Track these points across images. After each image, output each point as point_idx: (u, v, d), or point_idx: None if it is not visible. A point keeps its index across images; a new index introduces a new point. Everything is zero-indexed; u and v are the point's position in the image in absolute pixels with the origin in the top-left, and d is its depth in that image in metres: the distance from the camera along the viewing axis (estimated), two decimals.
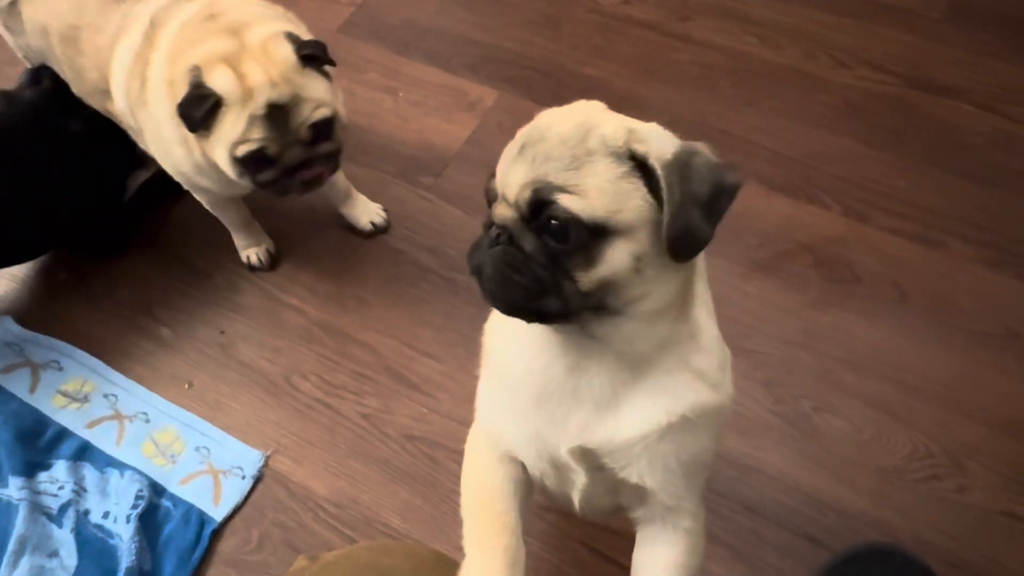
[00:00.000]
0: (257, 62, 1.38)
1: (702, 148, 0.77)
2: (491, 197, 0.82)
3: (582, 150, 0.75)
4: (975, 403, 1.59)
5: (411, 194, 1.96)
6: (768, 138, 2.01)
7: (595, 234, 0.75)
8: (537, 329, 0.87)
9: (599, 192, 0.74)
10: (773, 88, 2.12)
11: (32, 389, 1.69)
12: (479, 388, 1.03)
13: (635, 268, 0.76)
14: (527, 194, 0.75)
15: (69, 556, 1.45)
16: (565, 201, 0.74)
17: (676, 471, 0.89)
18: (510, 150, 0.79)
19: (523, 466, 0.98)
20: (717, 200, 0.75)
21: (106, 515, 1.51)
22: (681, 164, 0.75)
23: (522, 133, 0.79)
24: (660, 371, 0.85)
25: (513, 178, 0.77)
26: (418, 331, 1.73)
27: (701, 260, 0.88)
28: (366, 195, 1.92)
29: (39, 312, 1.82)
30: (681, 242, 0.74)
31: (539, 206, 0.75)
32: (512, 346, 0.91)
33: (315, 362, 1.70)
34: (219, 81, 1.37)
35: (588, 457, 0.88)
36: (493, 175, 0.81)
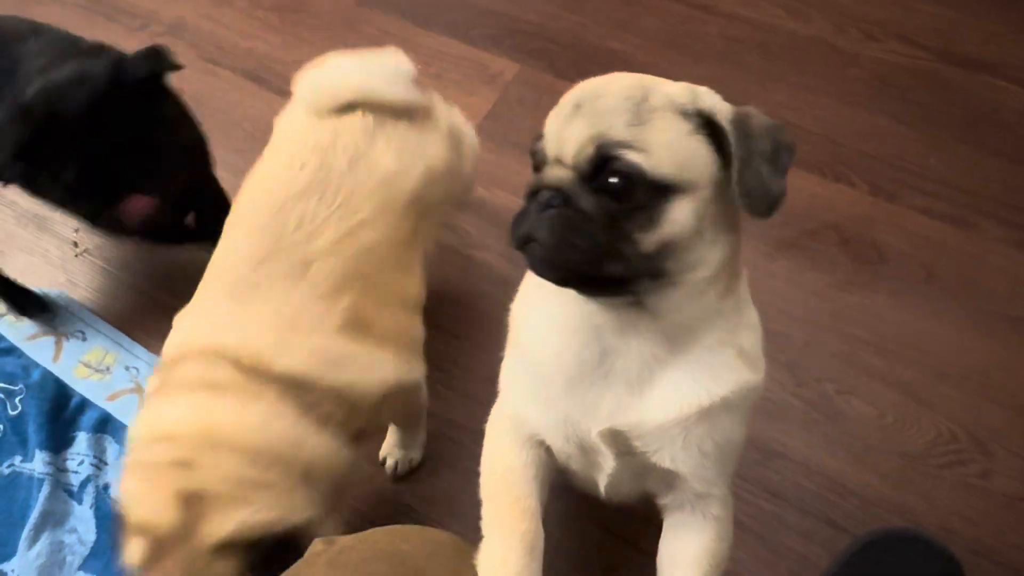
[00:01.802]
0: None
1: (755, 111, 0.77)
2: (539, 160, 0.79)
3: (646, 106, 0.73)
4: (1002, 388, 1.56)
5: None
6: (795, 114, 1.97)
7: (660, 192, 0.73)
8: (570, 309, 0.85)
9: (666, 148, 0.72)
10: (801, 62, 2.07)
11: (55, 358, 1.69)
12: (503, 369, 1.01)
13: (697, 229, 0.75)
14: (589, 150, 0.73)
15: (87, 531, 1.47)
16: (631, 156, 0.72)
17: (710, 455, 0.87)
18: (562, 109, 0.77)
19: (546, 450, 0.96)
20: (779, 155, 0.75)
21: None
22: (742, 122, 0.74)
23: (573, 94, 0.77)
24: (701, 347, 0.83)
25: (571, 135, 0.74)
26: (434, 307, 1.71)
27: (739, 238, 0.85)
28: None
29: (55, 286, 1.82)
30: (756, 195, 0.74)
31: (602, 163, 0.73)
32: (542, 328, 0.89)
33: None
34: None
35: (619, 440, 0.86)
36: (540, 136, 0.79)
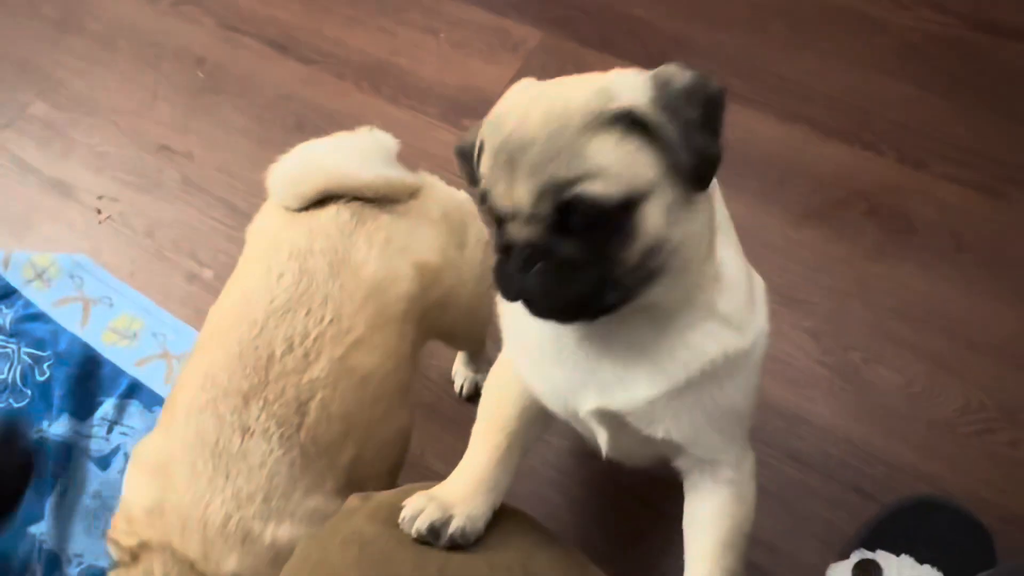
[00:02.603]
0: None
1: (673, 70, 0.73)
2: (495, 217, 0.77)
3: (571, 134, 0.71)
4: None
5: (453, 137, 1.92)
6: (822, 82, 1.94)
7: (626, 208, 0.71)
8: None
9: (611, 165, 0.70)
10: (828, 30, 2.04)
11: (83, 323, 1.71)
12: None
13: (669, 221, 0.73)
14: (546, 203, 0.71)
15: (113, 496, 1.48)
16: (587, 189, 0.70)
17: (705, 425, 0.86)
18: (496, 163, 0.74)
19: None
20: (711, 115, 0.73)
21: None
22: (663, 98, 0.71)
23: (499, 145, 0.73)
24: (681, 325, 0.81)
25: (520, 194, 0.72)
26: None
27: (716, 187, 0.83)
28: (408, 139, 1.89)
29: (80, 252, 1.82)
30: (700, 169, 0.72)
31: (563, 208, 0.71)
32: (525, 323, 0.88)
33: None
34: None
35: (609, 417, 0.86)
36: (484, 192, 0.76)
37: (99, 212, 1.89)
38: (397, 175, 1.21)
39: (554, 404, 0.91)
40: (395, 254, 1.15)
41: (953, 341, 1.57)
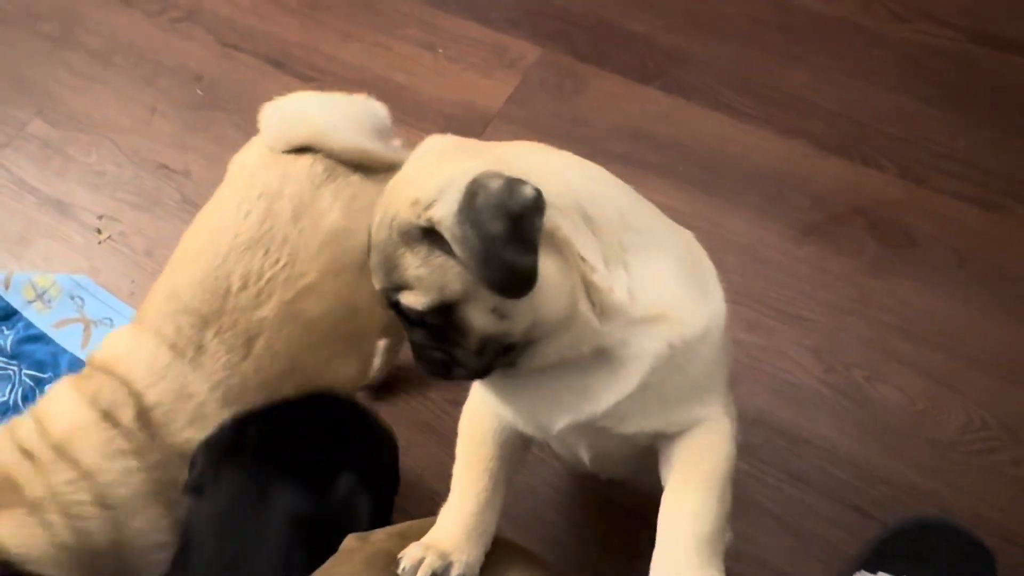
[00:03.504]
0: None
1: (486, 180, 0.71)
2: None
3: (391, 248, 0.77)
4: None
5: None
6: (820, 96, 1.93)
7: (445, 312, 0.76)
8: None
9: (421, 279, 0.75)
10: (826, 43, 2.03)
11: (84, 345, 1.70)
12: None
13: (499, 316, 0.75)
14: (385, 302, 0.80)
15: None
16: (404, 299, 0.77)
17: (675, 406, 0.87)
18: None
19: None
20: (518, 227, 0.70)
21: None
22: (468, 211, 0.70)
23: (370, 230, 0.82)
24: (619, 339, 0.81)
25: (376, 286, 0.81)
26: None
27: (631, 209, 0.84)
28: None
29: (79, 272, 1.82)
30: (507, 283, 0.72)
31: (396, 307, 0.79)
32: None
33: None
34: None
35: (582, 428, 0.87)
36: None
37: (99, 232, 1.88)
38: (375, 148, 1.27)
39: (528, 428, 0.93)
40: (358, 210, 1.20)
41: (955, 358, 1.57)
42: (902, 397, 1.53)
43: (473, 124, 1.96)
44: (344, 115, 1.29)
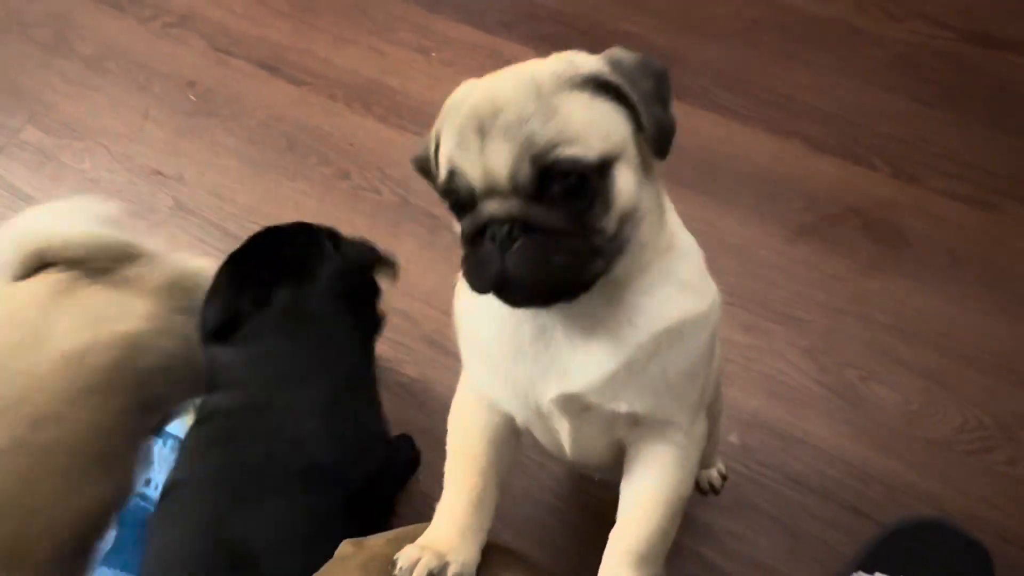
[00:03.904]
0: None
1: (620, 51, 0.77)
2: (463, 198, 0.75)
3: (544, 95, 0.71)
4: None
5: None
6: (815, 96, 1.93)
7: (602, 171, 0.72)
8: None
9: (586, 126, 0.72)
10: (820, 43, 2.03)
11: None
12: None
13: (638, 183, 0.76)
14: (525, 169, 0.70)
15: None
16: (566, 151, 0.70)
17: (665, 389, 0.85)
18: (463, 139, 0.73)
19: (506, 415, 0.96)
20: (662, 87, 0.76)
21: (147, 482, 1.52)
22: (620, 70, 0.74)
23: (464, 119, 0.73)
24: (638, 292, 0.81)
25: (496, 161, 0.71)
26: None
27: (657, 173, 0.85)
28: (399, 159, 1.89)
29: None
30: (662, 138, 0.75)
31: (543, 174, 0.71)
32: (479, 316, 0.88)
33: None
34: None
35: (572, 402, 0.85)
36: (451, 176, 0.75)
37: None
38: (109, 233, 1.20)
39: (516, 406, 0.90)
40: (93, 324, 1.13)
41: (950, 357, 1.57)
42: (897, 397, 1.53)
43: None
44: (69, 212, 1.22)
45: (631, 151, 0.75)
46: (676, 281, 0.83)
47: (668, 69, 0.77)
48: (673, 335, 0.82)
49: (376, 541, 0.89)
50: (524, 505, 1.47)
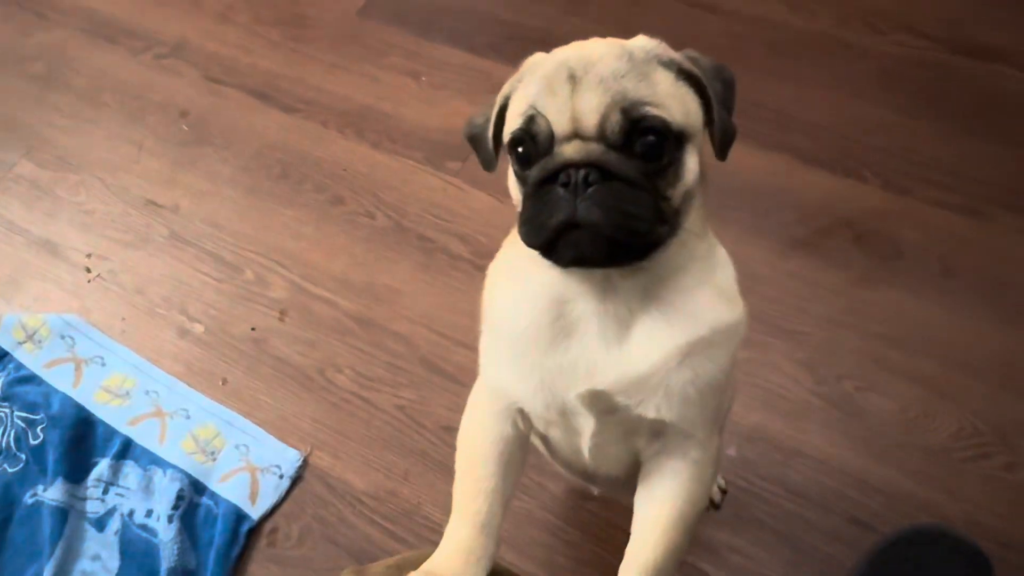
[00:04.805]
0: None
1: (695, 52, 0.81)
2: (542, 143, 0.75)
3: (637, 61, 0.74)
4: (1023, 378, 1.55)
5: (439, 180, 1.94)
6: (803, 110, 1.95)
7: (679, 143, 0.75)
8: (542, 280, 0.84)
9: (673, 99, 0.75)
10: (807, 58, 2.05)
11: (75, 384, 1.70)
12: (481, 344, 0.99)
13: (698, 168, 0.78)
14: (615, 116, 0.72)
15: (111, 558, 1.48)
16: (656, 111, 0.72)
17: (693, 398, 0.84)
18: (552, 83, 0.74)
19: (523, 420, 0.95)
20: (730, 94, 0.81)
21: (149, 513, 1.52)
22: (702, 67, 0.78)
23: (553, 66, 0.75)
24: (676, 292, 0.82)
25: (586, 105, 0.72)
26: (452, 320, 1.72)
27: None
28: (394, 184, 1.91)
29: (70, 311, 1.82)
30: (725, 138, 0.79)
31: (631, 126, 0.72)
32: (514, 302, 0.87)
33: (349, 355, 1.69)
34: None
35: (599, 400, 0.85)
36: (531, 118, 0.75)
37: (88, 271, 1.89)
38: None
39: (540, 402, 0.88)
40: None
41: (945, 365, 1.57)
42: (894, 406, 1.54)
43: (459, 149, 1.97)
44: None
45: (699, 139, 0.78)
46: (715, 286, 0.84)
47: (736, 79, 0.82)
48: (707, 342, 0.82)
49: (377, 568, 0.89)
50: (525, 525, 1.47)
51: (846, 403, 1.55)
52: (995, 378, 1.55)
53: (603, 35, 2.11)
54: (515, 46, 2.16)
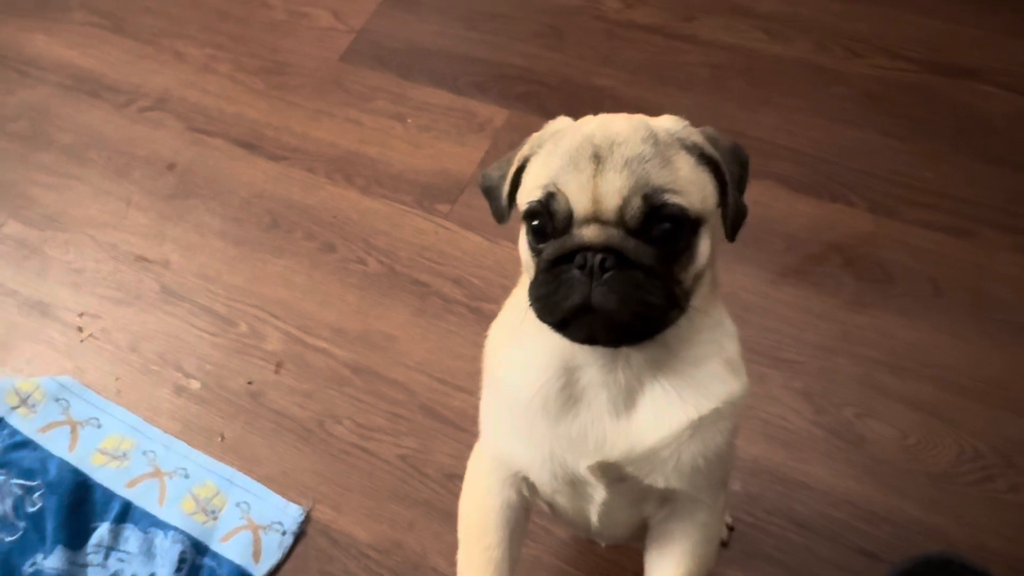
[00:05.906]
0: None
1: (715, 132, 0.82)
2: (560, 222, 0.75)
3: (661, 144, 0.75)
4: (1021, 398, 1.55)
5: (429, 223, 1.94)
6: (786, 136, 1.97)
7: (694, 228, 0.76)
8: (550, 347, 0.84)
9: (691, 185, 0.75)
10: (787, 84, 2.07)
11: (71, 448, 1.68)
12: (482, 407, 0.99)
13: (709, 252, 0.79)
14: (637, 202, 0.72)
15: None
16: (675, 199, 0.73)
17: (702, 468, 0.85)
18: (576, 162, 0.74)
19: (527, 487, 0.95)
20: (744, 177, 0.82)
21: None
22: (720, 149, 0.79)
23: (577, 144, 0.75)
24: (686, 362, 0.83)
25: (609, 188, 0.72)
26: (449, 365, 1.71)
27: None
28: (384, 228, 1.91)
29: (64, 373, 1.81)
30: (738, 220, 0.80)
31: (651, 213, 0.72)
32: (521, 368, 0.87)
33: (347, 405, 1.69)
34: None
35: (609, 471, 0.85)
36: (552, 195, 0.75)
37: (80, 330, 1.87)
38: None
39: (546, 471, 0.88)
40: None
41: (942, 388, 1.58)
42: (894, 432, 1.54)
43: (448, 190, 1.98)
44: None
45: (713, 221, 0.79)
46: (725, 358, 0.85)
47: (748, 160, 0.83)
48: (717, 414, 0.84)
49: None
50: (534, 571, 1.46)
51: (847, 431, 1.55)
52: (992, 399, 1.56)
53: (583, 70, 2.12)
54: (498, 85, 2.17)
